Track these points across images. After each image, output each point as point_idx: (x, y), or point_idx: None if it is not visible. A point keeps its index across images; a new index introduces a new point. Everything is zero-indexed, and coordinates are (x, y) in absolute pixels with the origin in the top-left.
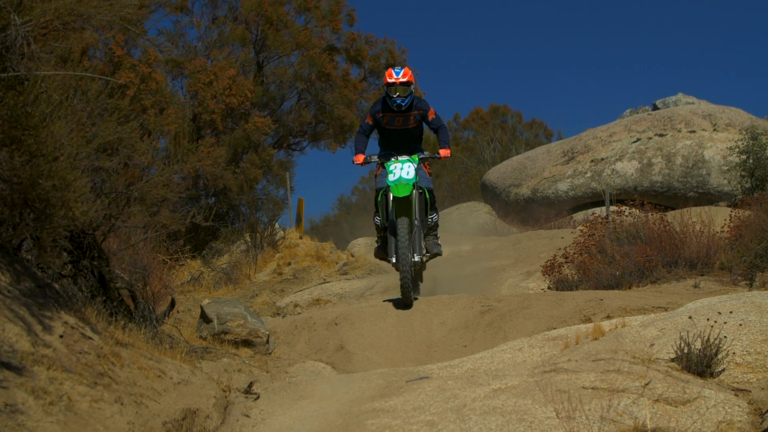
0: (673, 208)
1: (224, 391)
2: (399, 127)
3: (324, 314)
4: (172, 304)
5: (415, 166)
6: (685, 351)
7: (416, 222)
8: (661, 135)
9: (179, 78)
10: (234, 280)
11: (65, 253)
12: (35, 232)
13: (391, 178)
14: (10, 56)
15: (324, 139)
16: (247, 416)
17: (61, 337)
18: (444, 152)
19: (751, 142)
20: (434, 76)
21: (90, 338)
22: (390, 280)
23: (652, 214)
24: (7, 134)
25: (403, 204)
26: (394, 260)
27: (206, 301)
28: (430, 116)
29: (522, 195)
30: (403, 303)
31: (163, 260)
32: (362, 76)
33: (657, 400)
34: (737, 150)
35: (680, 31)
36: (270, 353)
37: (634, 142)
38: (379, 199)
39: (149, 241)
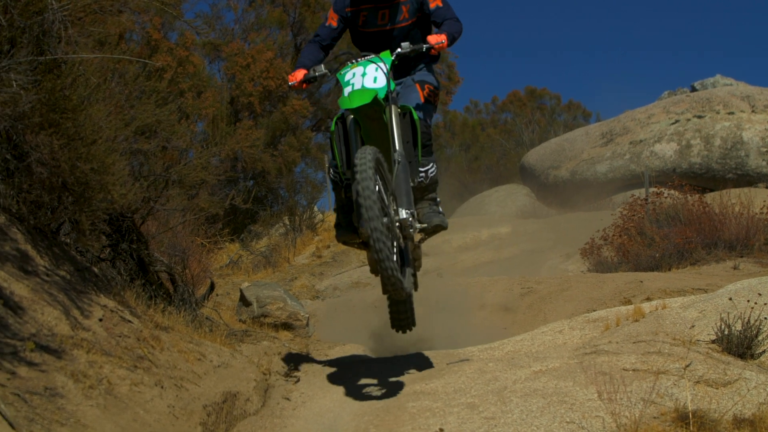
0: (711, 190)
1: (264, 374)
2: (385, 26)
3: (363, 297)
4: (212, 287)
5: (386, 68)
6: (726, 332)
7: (397, 156)
8: (699, 117)
9: (216, 61)
10: (273, 264)
11: (104, 237)
12: (74, 215)
13: (348, 93)
14: (47, 40)
15: None
16: (288, 399)
17: (100, 320)
18: (435, 38)
19: None
20: (472, 59)
21: (129, 322)
22: (429, 263)
23: (690, 196)
24: (46, 118)
25: (370, 126)
26: (362, 222)
27: (245, 284)
28: (432, 2)
29: (561, 177)
30: (393, 320)
31: (202, 243)
32: None
33: (698, 382)
34: None
35: (718, 12)
36: (310, 336)
37: (673, 123)
38: (332, 128)
39: (188, 225)
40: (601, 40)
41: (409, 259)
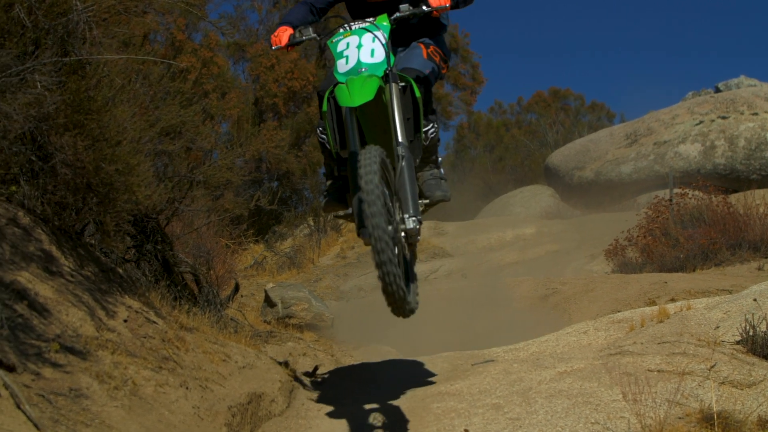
0: (736, 191)
1: (289, 374)
2: None
3: None
4: (236, 288)
5: (384, 38)
6: (750, 333)
7: (401, 150)
8: (723, 117)
9: (241, 62)
10: (297, 265)
11: (128, 238)
12: (98, 216)
13: (342, 66)
14: (72, 41)
15: None
16: (313, 400)
17: (125, 321)
18: (437, 0)
19: None
20: (497, 60)
21: (154, 322)
22: (454, 264)
23: (715, 197)
24: (70, 119)
25: (370, 118)
26: (365, 231)
27: (270, 285)
28: None
29: (585, 178)
30: (394, 312)
31: (227, 244)
32: None
33: (722, 383)
34: None
35: (742, 13)
36: (335, 337)
37: (697, 124)
38: (324, 108)
39: (212, 225)
40: (625, 41)
41: (413, 272)
